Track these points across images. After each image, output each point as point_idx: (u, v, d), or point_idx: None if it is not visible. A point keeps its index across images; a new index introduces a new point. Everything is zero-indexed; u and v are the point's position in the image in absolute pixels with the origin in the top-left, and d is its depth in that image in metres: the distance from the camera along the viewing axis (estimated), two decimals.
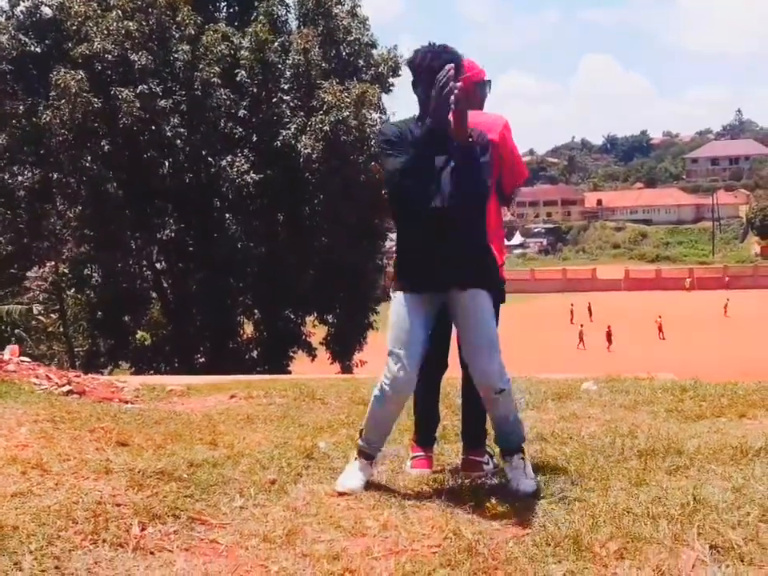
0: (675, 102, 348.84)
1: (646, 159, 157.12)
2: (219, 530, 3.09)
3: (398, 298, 3.70)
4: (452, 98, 3.33)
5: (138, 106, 18.60)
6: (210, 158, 20.37)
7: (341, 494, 3.55)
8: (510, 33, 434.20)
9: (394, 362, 3.58)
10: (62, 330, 29.95)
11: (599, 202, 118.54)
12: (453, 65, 3.41)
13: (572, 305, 53.86)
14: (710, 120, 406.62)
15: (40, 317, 29.73)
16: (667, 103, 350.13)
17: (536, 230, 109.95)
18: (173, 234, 21.97)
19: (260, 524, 3.14)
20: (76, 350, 28.58)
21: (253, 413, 5.57)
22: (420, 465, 4.06)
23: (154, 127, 19.45)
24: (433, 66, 3.50)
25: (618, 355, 38.35)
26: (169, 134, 19.39)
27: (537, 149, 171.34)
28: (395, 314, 3.69)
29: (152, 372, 26.86)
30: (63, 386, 6.04)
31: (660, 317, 46.67)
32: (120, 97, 18.75)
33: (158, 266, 24.28)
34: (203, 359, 24.85)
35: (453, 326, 3.83)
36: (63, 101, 18.84)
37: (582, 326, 44.25)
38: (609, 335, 42.69)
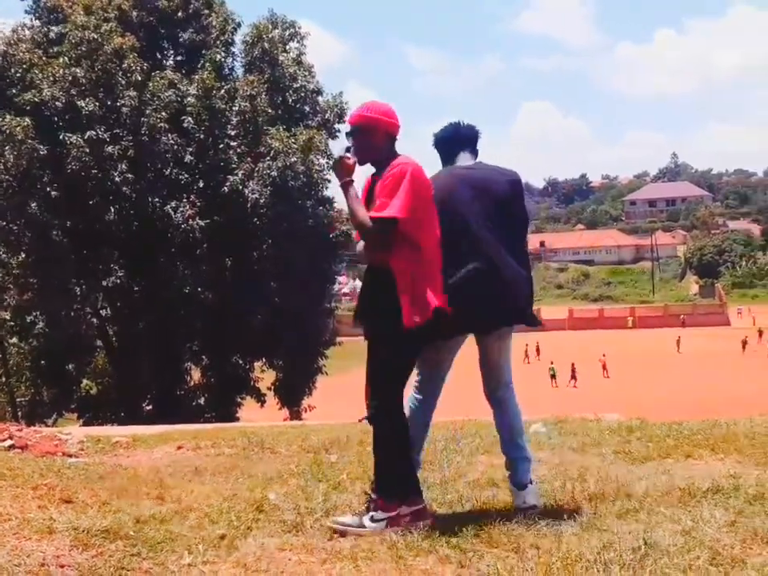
0: (613, 146, 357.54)
1: (586, 201, 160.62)
2: None
3: None
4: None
5: (87, 151, 18.47)
6: (156, 204, 20.22)
7: None
8: (454, 80, 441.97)
9: None
10: (3, 379, 29.15)
11: (542, 243, 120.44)
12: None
13: (527, 345, 54.66)
14: (647, 163, 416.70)
15: None
16: (605, 147, 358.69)
17: None
18: (118, 281, 21.68)
19: None
20: (18, 399, 27.80)
21: (201, 464, 5.47)
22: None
23: (101, 173, 19.28)
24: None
25: (567, 393, 38.81)
26: (117, 179, 19.24)
27: None
28: None
29: (98, 421, 26.33)
30: (4, 440, 5.87)
31: (604, 355, 47.32)
32: (69, 142, 18.61)
33: (102, 312, 23.91)
34: (150, 407, 24.43)
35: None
36: (7, 147, 18.62)
37: (552, 363, 44.84)
38: (573, 373, 43.78)
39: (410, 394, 4.14)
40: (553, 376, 44.08)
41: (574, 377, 43.71)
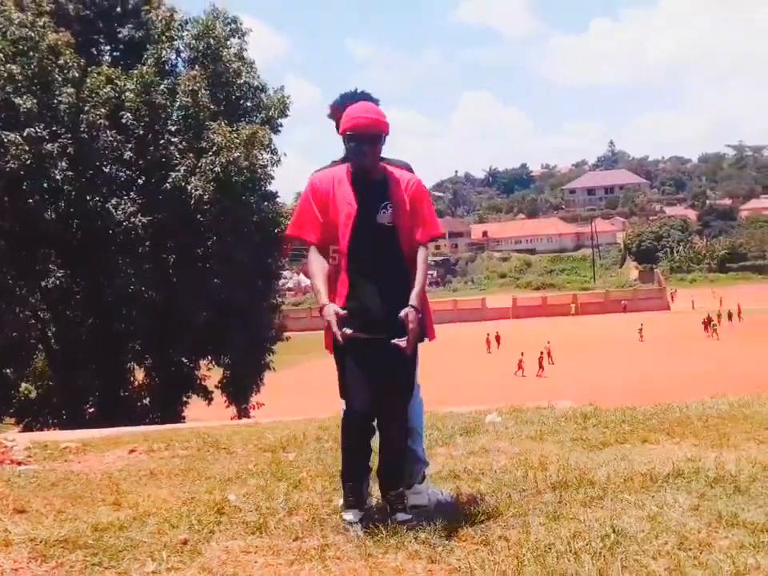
0: (552, 135, 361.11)
1: (527, 191, 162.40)
2: None
3: None
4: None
5: (26, 149, 17.97)
6: (96, 202, 19.77)
7: None
8: (394, 72, 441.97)
9: None
10: None
11: (485, 233, 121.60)
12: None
13: (488, 334, 55.54)
14: (585, 152, 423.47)
15: None
16: (545, 136, 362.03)
17: None
18: (58, 282, 21.15)
19: None
20: None
21: (155, 467, 5.33)
22: None
23: (40, 172, 18.77)
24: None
25: (529, 382, 39.21)
26: (58, 177, 18.75)
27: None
28: None
29: (39, 426, 25.72)
30: None
31: (549, 342, 47.92)
32: (6, 141, 18.07)
33: (41, 314, 23.33)
34: (93, 410, 23.94)
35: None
36: None
37: (522, 353, 45.15)
38: (541, 360, 44.26)
39: None
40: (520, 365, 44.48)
41: (540, 365, 44.17)
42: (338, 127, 4.01)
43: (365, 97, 3.98)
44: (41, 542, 3.31)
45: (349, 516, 3.73)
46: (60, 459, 6.01)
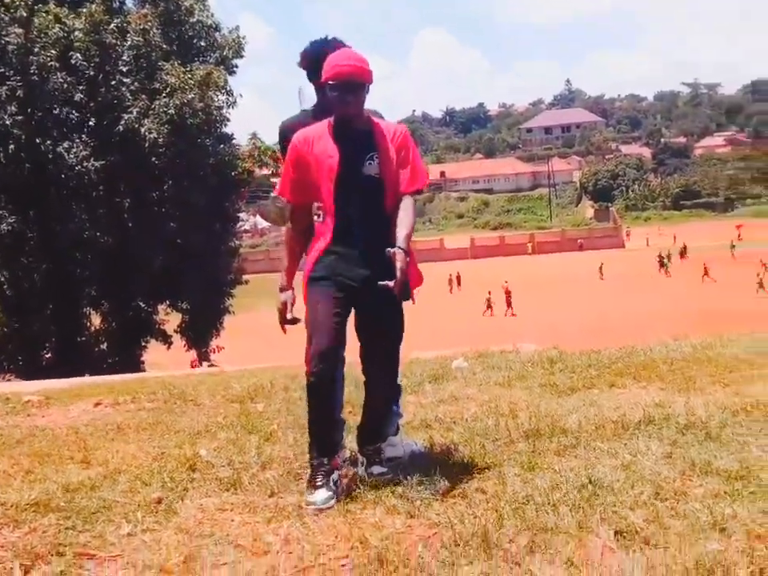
0: (509, 75, 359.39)
1: (484, 130, 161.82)
2: (110, 563, 2.86)
3: None
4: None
5: None
6: (48, 146, 19.20)
7: None
8: (347, 8, 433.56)
9: None
10: None
11: (442, 173, 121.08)
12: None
13: (450, 275, 55.75)
14: (542, 91, 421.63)
15: None
16: (501, 76, 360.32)
17: None
18: (9, 227, 20.66)
19: (153, 552, 2.93)
20: None
21: (122, 421, 5.25)
22: None
23: None
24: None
25: (495, 322, 39.46)
26: (7, 121, 18.12)
27: None
28: None
29: None
30: None
31: (506, 282, 48.26)
32: None
33: None
34: (50, 356, 23.69)
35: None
36: None
37: (489, 293, 45.28)
38: (508, 299, 44.22)
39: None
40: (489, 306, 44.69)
41: (509, 305, 44.21)
42: (310, 76, 3.88)
43: (336, 44, 3.84)
44: (11, 506, 3.24)
45: (314, 497, 3.43)
46: (23, 413, 5.90)
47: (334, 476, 3.57)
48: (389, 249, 3.43)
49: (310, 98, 4.08)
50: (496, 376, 6.16)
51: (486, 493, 3.38)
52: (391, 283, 3.39)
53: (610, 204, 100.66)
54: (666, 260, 55.40)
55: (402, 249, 3.47)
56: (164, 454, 4.34)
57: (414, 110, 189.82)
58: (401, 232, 3.56)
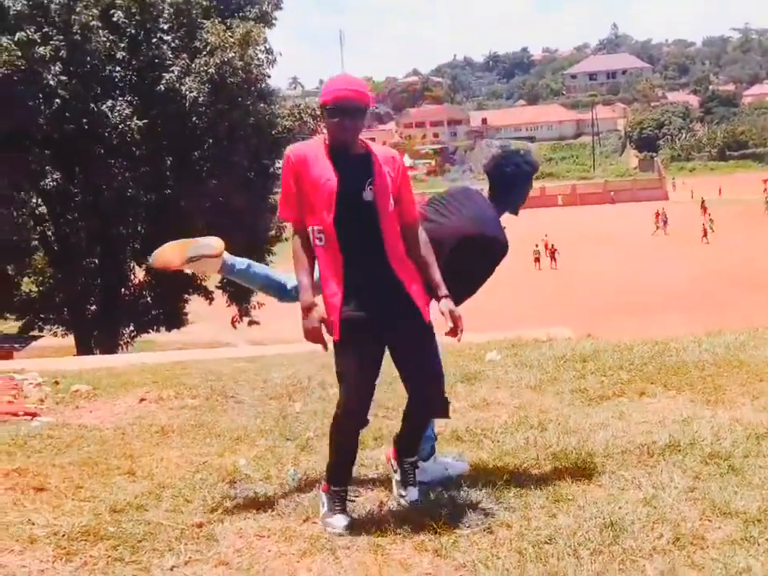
0: (554, 18, 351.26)
1: (528, 76, 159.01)
2: None
3: None
4: None
5: (19, 54, 17.50)
6: (91, 104, 19.42)
7: None
8: None
9: None
10: None
11: (484, 120, 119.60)
12: None
13: None
14: (587, 35, 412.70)
15: None
16: (546, 19, 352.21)
17: (423, 152, 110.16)
18: (54, 183, 21.04)
19: None
20: None
21: (166, 422, 5.48)
22: None
23: (33, 76, 18.34)
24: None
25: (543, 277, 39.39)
26: (51, 82, 18.33)
27: (420, 68, 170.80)
28: None
29: (39, 323, 26.12)
30: None
31: (546, 235, 47.99)
32: None
33: (39, 214, 23.34)
34: (95, 308, 24.28)
35: None
36: None
37: (536, 245, 45.84)
38: (552, 254, 45.54)
39: None
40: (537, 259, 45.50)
41: (553, 258, 45.28)
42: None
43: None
44: (63, 535, 3.44)
45: (336, 522, 3.66)
46: (72, 405, 6.16)
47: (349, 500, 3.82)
48: (441, 305, 3.66)
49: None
50: (527, 377, 6.27)
51: (511, 528, 3.52)
52: (457, 338, 3.66)
53: (654, 154, 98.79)
54: (709, 223, 53.59)
55: (448, 296, 3.66)
56: (206, 464, 4.55)
57: (456, 55, 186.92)
58: (435, 275, 3.69)
